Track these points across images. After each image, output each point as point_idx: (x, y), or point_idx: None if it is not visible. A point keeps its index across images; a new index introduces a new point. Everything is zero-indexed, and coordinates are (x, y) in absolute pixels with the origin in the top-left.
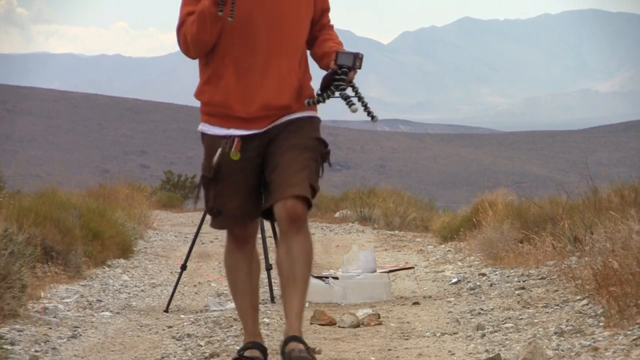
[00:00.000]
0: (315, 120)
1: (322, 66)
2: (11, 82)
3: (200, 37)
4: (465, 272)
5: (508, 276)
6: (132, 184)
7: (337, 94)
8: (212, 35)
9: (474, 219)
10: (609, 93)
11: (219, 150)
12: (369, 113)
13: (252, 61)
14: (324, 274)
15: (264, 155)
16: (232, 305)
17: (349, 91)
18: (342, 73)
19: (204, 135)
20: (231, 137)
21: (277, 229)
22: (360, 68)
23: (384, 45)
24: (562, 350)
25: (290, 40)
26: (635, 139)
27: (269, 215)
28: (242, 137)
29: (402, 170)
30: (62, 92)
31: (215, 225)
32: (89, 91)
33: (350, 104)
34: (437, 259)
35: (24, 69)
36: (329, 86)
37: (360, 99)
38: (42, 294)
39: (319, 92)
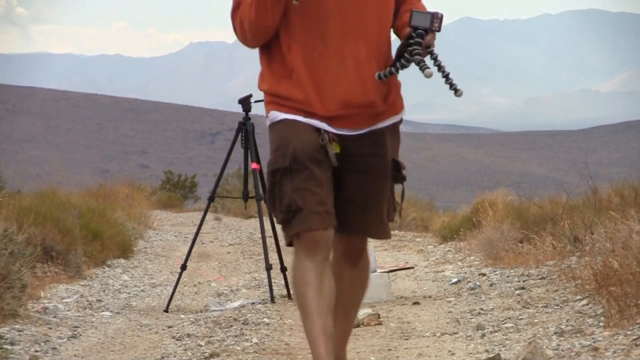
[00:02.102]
0: (397, 128)
1: (401, 38)
2: (11, 82)
3: (260, 22)
4: (465, 272)
5: (508, 276)
6: (132, 184)
7: (413, 60)
8: (274, 20)
9: (474, 219)
10: (609, 93)
11: (329, 147)
12: (452, 85)
13: (322, 49)
14: None
15: (341, 164)
16: (232, 305)
17: (427, 60)
18: (417, 36)
19: (276, 124)
20: (326, 132)
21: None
22: (439, 30)
23: None
24: (562, 350)
25: (369, 21)
26: (636, 139)
27: None
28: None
29: None
30: (62, 92)
31: (292, 229)
32: (89, 91)
33: (423, 67)
34: (437, 259)
35: (23, 69)
36: (403, 53)
37: (440, 67)
38: (42, 294)
39: (393, 63)
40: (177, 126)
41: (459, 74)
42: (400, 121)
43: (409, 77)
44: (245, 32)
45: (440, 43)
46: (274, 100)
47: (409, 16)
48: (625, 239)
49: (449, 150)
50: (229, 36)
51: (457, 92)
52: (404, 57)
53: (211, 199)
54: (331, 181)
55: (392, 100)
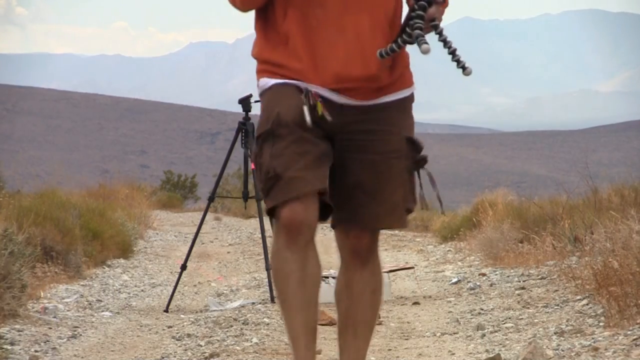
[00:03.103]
0: (408, 105)
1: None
2: (11, 82)
3: None
4: (465, 272)
5: (508, 276)
6: (132, 184)
7: (413, 35)
8: None
9: (474, 219)
10: (610, 93)
11: (305, 107)
12: (459, 62)
13: (321, 15)
14: (324, 274)
15: (336, 143)
16: (232, 305)
17: (432, 35)
18: (419, 8)
19: (265, 92)
20: (312, 92)
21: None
22: (444, 1)
23: None
24: (562, 350)
25: None
26: (636, 138)
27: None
28: (325, 99)
29: None
30: (62, 92)
31: (271, 199)
32: (88, 91)
33: (421, 42)
34: (437, 258)
35: (23, 69)
36: (406, 27)
37: (446, 43)
38: (42, 294)
39: (396, 38)
40: (177, 126)
41: (459, 74)
42: (411, 98)
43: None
44: None
45: (440, 42)
46: (266, 68)
47: None
48: (625, 239)
49: (449, 150)
50: (229, 36)
51: (465, 70)
52: (406, 31)
53: (211, 199)
54: (326, 155)
55: (399, 73)
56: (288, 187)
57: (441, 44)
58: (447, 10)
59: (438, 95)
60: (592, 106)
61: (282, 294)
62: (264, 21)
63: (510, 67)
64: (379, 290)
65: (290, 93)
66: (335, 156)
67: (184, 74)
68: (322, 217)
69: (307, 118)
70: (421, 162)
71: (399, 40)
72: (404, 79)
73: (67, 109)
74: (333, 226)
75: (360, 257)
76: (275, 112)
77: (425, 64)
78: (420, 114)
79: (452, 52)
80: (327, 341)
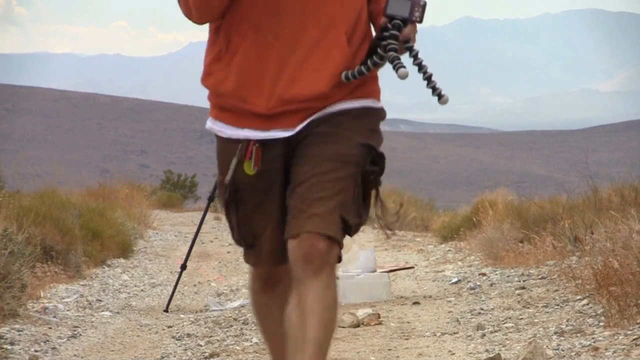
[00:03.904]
0: (369, 115)
1: (376, 27)
2: (11, 81)
3: None
4: (466, 272)
5: (508, 276)
6: (132, 184)
7: (385, 59)
8: None
9: (474, 219)
10: (609, 93)
11: (234, 160)
12: (435, 90)
13: (277, 29)
14: None
15: (294, 154)
16: (232, 305)
17: (405, 58)
18: (393, 27)
19: (217, 137)
20: (246, 142)
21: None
22: (420, 21)
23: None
24: (563, 350)
25: (338, 2)
26: (636, 138)
27: None
28: (260, 142)
29: (402, 170)
30: (62, 91)
31: (249, 260)
32: (88, 91)
33: (397, 66)
34: (437, 258)
35: (23, 69)
36: (376, 48)
37: (420, 67)
38: (41, 293)
39: (365, 60)
40: (177, 126)
41: (459, 74)
42: (374, 111)
43: (409, 77)
44: (190, 5)
45: (441, 42)
46: (213, 100)
47: (385, 4)
48: (625, 239)
49: (449, 150)
50: None
51: (441, 98)
52: (377, 53)
53: (211, 199)
54: (281, 194)
55: (355, 85)
56: (260, 257)
57: (416, 67)
58: (446, 9)
59: None
60: (592, 106)
61: (264, 330)
62: (213, 33)
63: (510, 67)
64: (333, 308)
65: (232, 151)
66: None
67: (184, 74)
68: None
69: (227, 178)
70: (370, 174)
71: (369, 62)
72: (365, 89)
73: (67, 109)
74: (286, 237)
75: (312, 266)
76: (229, 178)
77: (425, 63)
78: (420, 114)
79: (428, 78)
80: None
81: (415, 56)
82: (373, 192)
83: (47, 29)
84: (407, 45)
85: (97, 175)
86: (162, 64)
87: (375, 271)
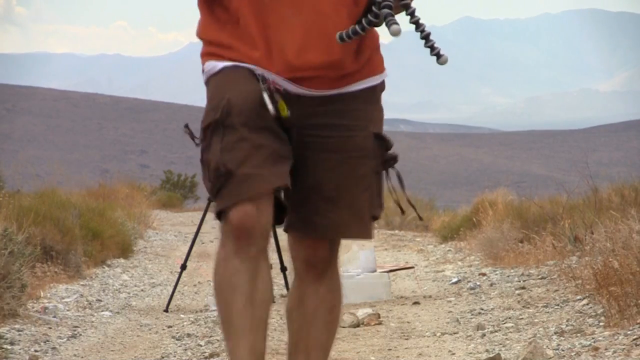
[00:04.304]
0: (377, 93)
1: None
2: (11, 81)
3: None
4: (466, 272)
5: (508, 276)
6: (132, 184)
7: (380, 17)
8: None
9: (474, 219)
10: (609, 92)
11: (265, 91)
12: (433, 49)
13: None
14: None
15: (294, 138)
16: None
17: (402, 16)
18: None
19: (213, 77)
20: (269, 80)
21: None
22: None
23: (384, 45)
24: (563, 350)
25: None
26: (636, 138)
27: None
28: (283, 91)
29: (402, 170)
30: (62, 91)
31: (222, 200)
32: (88, 91)
33: (390, 22)
34: (437, 258)
35: (23, 69)
36: (371, 7)
37: (418, 25)
38: (41, 293)
39: (359, 19)
40: (177, 126)
41: (460, 74)
42: (381, 87)
43: (409, 77)
44: None
45: (441, 42)
46: (212, 50)
47: None
48: (625, 239)
49: (449, 150)
50: None
51: (439, 57)
52: (372, 11)
53: (211, 199)
54: (286, 151)
55: (366, 57)
56: (242, 186)
57: (413, 26)
58: (446, 9)
59: (438, 95)
60: (592, 106)
61: (226, 311)
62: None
63: (510, 66)
64: (337, 309)
65: (243, 77)
66: (292, 154)
67: (184, 74)
68: (277, 220)
69: (270, 106)
70: (390, 161)
71: (364, 21)
72: (373, 64)
73: (67, 109)
74: (285, 230)
75: (315, 270)
76: (225, 99)
77: (425, 64)
78: (420, 113)
79: (425, 37)
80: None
81: (411, 14)
82: (394, 173)
83: (47, 29)
84: (403, 2)
85: (97, 175)
86: (162, 64)
87: (375, 271)
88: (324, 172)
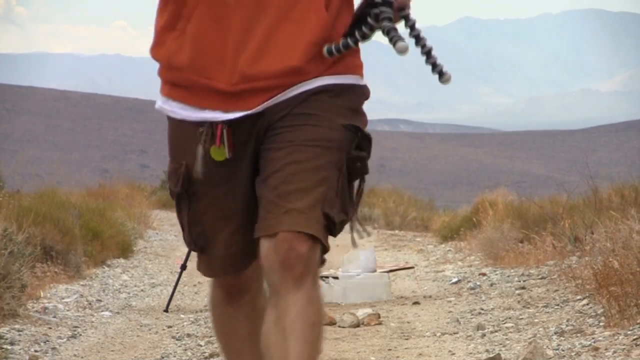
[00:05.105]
0: (352, 93)
1: None
2: (10, 81)
3: None
4: (466, 272)
5: (508, 276)
6: (132, 184)
7: (379, 28)
8: None
9: (474, 219)
10: (610, 93)
11: (199, 148)
12: (435, 66)
13: None
14: (324, 273)
15: (262, 142)
16: None
17: (400, 27)
18: None
19: (167, 121)
20: (212, 125)
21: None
22: None
23: (384, 45)
24: (563, 350)
25: None
26: (636, 138)
27: None
28: (228, 122)
29: (402, 170)
30: (61, 91)
31: (202, 269)
32: (88, 91)
33: (395, 39)
34: (437, 258)
35: (23, 69)
36: (365, 17)
37: (418, 39)
38: (41, 293)
39: (349, 31)
40: None
41: (460, 74)
42: (356, 89)
43: (409, 77)
44: None
45: (441, 42)
46: (165, 75)
47: None
48: (625, 239)
49: (449, 150)
50: None
51: (442, 76)
52: (367, 23)
53: None
54: (251, 203)
55: (331, 60)
56: (215, 267)
57: (413, 40)
58: (446, 9)
59: (438, 95)
60: (592, 106)
61: (227, 349)
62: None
63: (510, 67)
64: (319, 327)
65: (191, 135)
66: (259, 156)
67: None
68: None
69: (199, 170)
70: (356, 160)
71: (357, 34)
72: (345, 64)
73: (67, 109)
74: (256, 237)
75: (292, 274)
76: (183, 167)
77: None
78: (420, 114)
79: (427, 53)
80: (328, 341)
81: (412, 27)
82: (357, 183)
83: (47, 29)
84: (402, 14)
85: (97, 175)
86: None
87: (375, 271)
88: (274, 163)
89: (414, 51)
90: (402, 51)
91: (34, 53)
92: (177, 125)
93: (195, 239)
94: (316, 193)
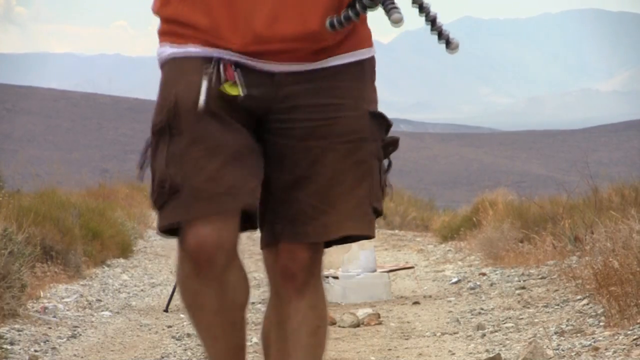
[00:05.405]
0: (367, 69)
1: None
2: (10, 81)
3: None
4: (466, 272)
5: (508, 276)
6: (132, 184)
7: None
8: None
9: (474, 219)
10: (610, 92)
11: (204, 80)
12: (441, 34)
13: None
14: (324, 273)
15: (269, 126)
16: None
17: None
18: None
19: (165, 65)
20: (219, 61)
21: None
22: None
23: (384, 45)
24: (563, 350)
25: None
26: (636, 138)
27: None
28: (240, 66)
29: (402, 170)
30: (61, 91)
31: (165, 217)
32: (88, 90)
33: (390, 9)
34: (437, 258)
35: (23, 69)
36: None
37: (422, 8)
38: (41, 293)
39: (350, 3)
40: None
41: (460, 74)
42: (371, 62)
43: (409, 77)
44: None
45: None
46: (167, 29)
47: None
48: (625, 239)
49: (449, 150)
50: None
51: (449, 44)
52: None
53: None
54: (250, 149)
55: (349, 28)
56: (191, 204)
57: (416, 10)
58: (447, 9)
59: (438, 95)
60: (592, 106)
61: (197, 325)
62: None
63: (510, 66)
64: (322, 331)
65: (192, 67)
66: (267, 146)
67: None
68: (250, 227)
69: (202, 98)
70: (391, 144)
71: (358, 5)
72: (359, 36)
73: (67, 109)
74: (266, 246)
75: (294, 282)
76: (171, 97)
77: (426, 64)
78: (420, 113)
79: (432, 21)
80: (328, 341)
81: None
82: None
83: (47, 29)
84: None
85: (97, 175)
86: None
87: (375, 271)
88: (308, 165)
89: (414, 51)
90: (397, 22)
91: (34, 53)
92: (178, 62)
93: (173, 175)
94: (362, 190)
